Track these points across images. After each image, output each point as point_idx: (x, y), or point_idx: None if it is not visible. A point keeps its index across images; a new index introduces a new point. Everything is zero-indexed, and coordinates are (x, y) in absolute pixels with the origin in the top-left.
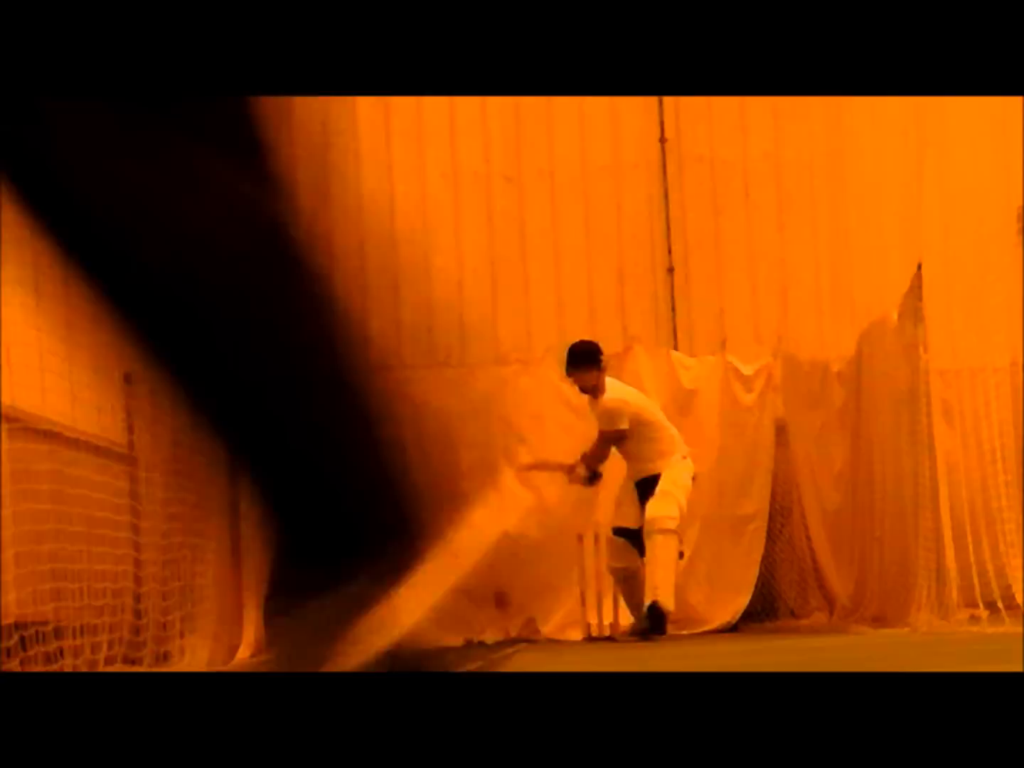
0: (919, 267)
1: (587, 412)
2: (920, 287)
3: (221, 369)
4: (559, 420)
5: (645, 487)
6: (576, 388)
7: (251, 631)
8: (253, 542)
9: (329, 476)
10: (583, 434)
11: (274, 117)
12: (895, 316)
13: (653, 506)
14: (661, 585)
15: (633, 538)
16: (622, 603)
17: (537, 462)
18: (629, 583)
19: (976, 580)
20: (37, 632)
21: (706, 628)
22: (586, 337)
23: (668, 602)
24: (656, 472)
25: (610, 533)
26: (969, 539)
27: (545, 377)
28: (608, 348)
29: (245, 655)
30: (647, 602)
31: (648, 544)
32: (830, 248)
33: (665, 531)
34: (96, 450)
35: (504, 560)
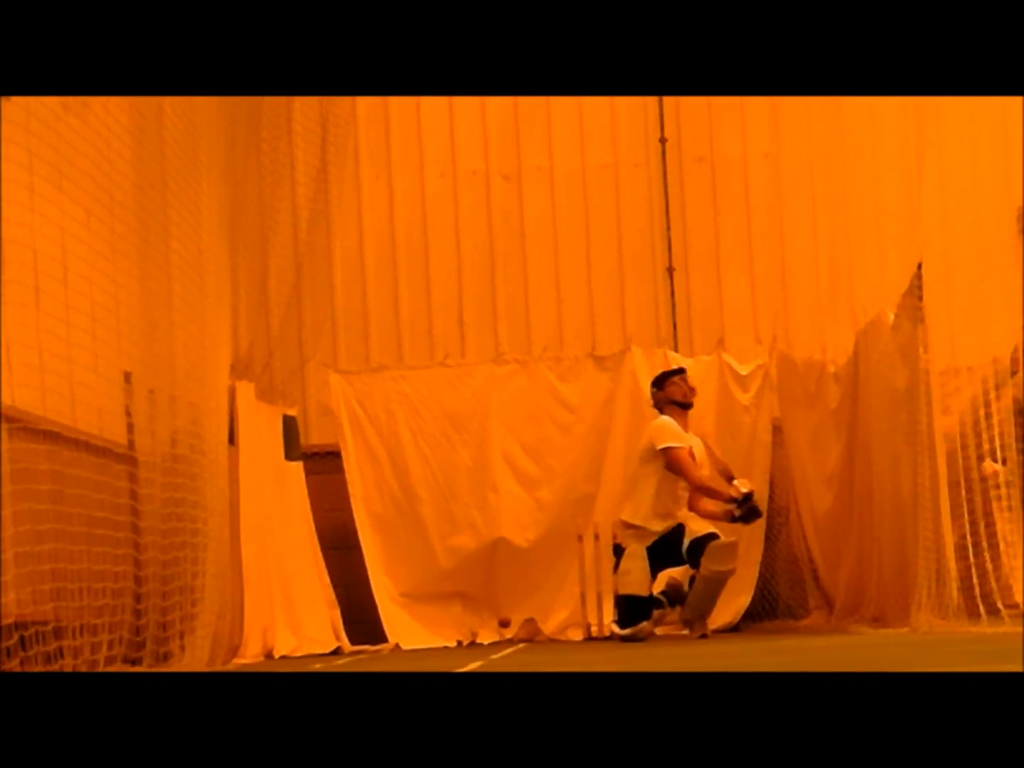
0: (919, 267)
1: (584, 412)
2: (920, 287)
3: None
4: (556, 420)
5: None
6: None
7: (252, 631)
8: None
9: None
10: (581, 434)
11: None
12: (891, 315)
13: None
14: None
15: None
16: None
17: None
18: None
19: (976, 580)
20: (37, 632)
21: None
22: (585, 336)
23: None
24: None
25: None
26: (969, 539)
27: (543, 377)
28: (608, 348)
29: (246, 655)
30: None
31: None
32: (830, 248)
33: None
34: (96, 450)
35: (504, 561)
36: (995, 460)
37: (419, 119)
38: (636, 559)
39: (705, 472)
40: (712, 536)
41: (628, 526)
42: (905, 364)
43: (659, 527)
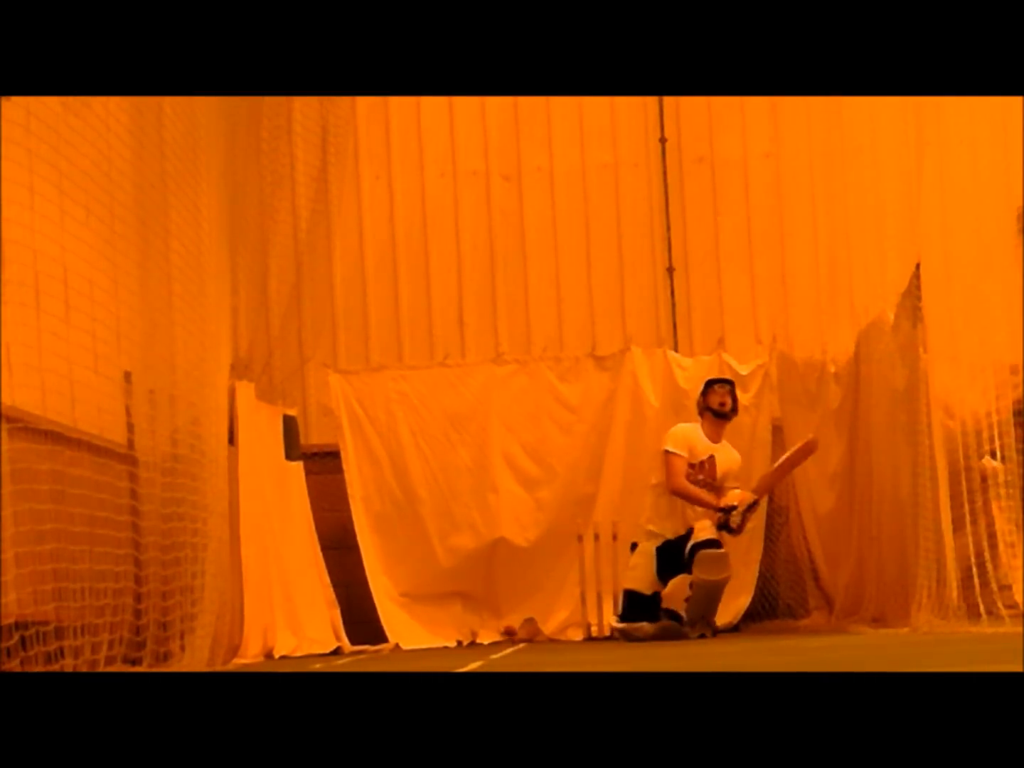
0: (917, 267)
1: (585, 412)
2: (918, 287)
3: None
4: (557, 420)
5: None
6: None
7: (252, 631)
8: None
9: None
10: (581, 434)
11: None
12: (891, 316)
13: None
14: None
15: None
16: (621, 604)
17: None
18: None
19: (976, 580)
20: (38, 632)
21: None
22: (585, 336)
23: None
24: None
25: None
26: (969, 539)
27: (543, 377)
28: (608, 348)
29: (246, 655)
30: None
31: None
32: (830, 248)
33: None
34: (96, 450)
35: (504, 561)
36: (995, 458)
37: (419, 119)
38: (644, 556)
39: (732, 483)
40: (708, 543)
41: (645, 527)
42: (905, 364)
43: (673, 533)
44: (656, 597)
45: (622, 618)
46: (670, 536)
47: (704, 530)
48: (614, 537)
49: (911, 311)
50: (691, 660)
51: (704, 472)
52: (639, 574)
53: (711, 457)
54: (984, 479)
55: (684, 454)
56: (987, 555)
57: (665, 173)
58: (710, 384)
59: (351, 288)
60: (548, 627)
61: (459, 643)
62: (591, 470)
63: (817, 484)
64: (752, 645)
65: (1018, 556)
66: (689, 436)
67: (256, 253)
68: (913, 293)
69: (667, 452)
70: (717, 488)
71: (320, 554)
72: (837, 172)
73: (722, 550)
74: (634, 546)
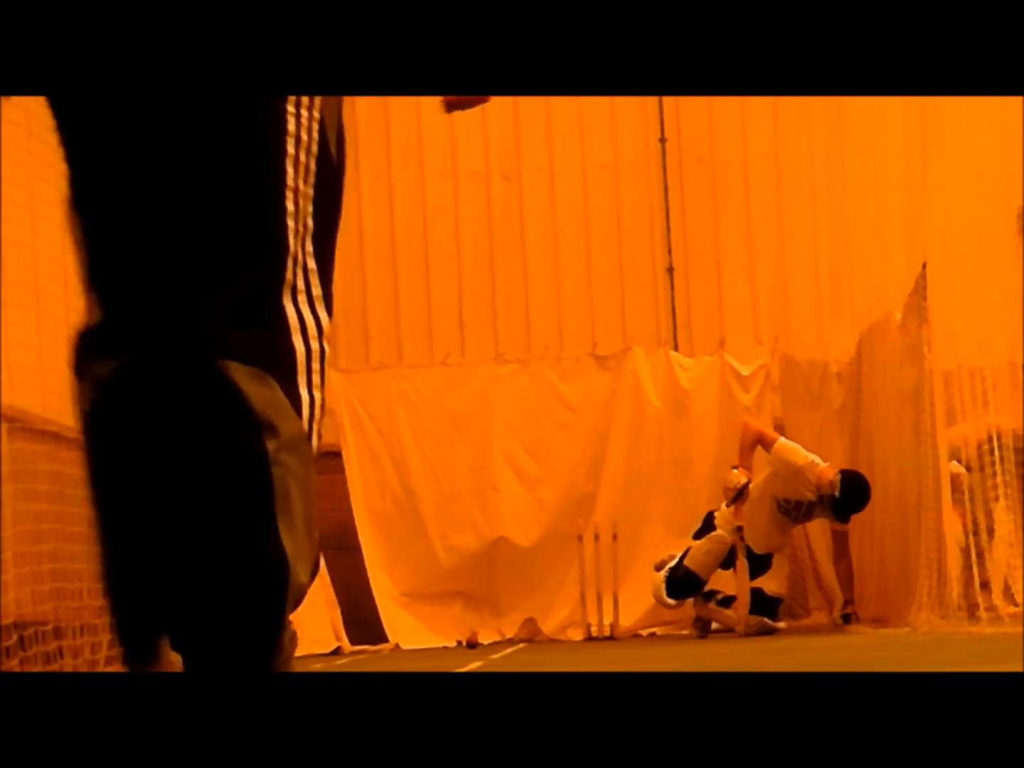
0: (923, 266)
1: (585, 412)
2: (924, 286)
3: None
4: (558, 419)
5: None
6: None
7: None
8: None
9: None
10: (582, 434)
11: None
12: (898, 315)
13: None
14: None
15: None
16: (621, 603)
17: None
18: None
19: (976, 580)
20: (37, 632)
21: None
22: (585, 336)
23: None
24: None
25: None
26: (970, 539)
27: (544, 376)
28: (608, 348)
29: None
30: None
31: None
32: (830, 248)
33: None
34: None
35: (505, 561)
36: (960, 462)
37: (419, 119)
38: (720, 545)
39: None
40: (776, 602)
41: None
42: (912, 364)
43: (758, 550)
44: (704, 582)
45: (670, 591)
46: (751, 547)
47: (777, 579)
48: (614, 537)
49: (917, 310)
50: (691, 660)
51: (800, 511)
52: (708, 561)
53: (811, 503)
54: (953, 483)
55: (783, 452)
56: (987, 555)
57: (665, 173)
58: (846, 511)
59: (351, 288)
60: (548, 627)
61: (459, 643)
62: (592, 470)
63: None
64: (752, 645)
65: (1018, 556)
66: (799, 450)
67: None
68: (919, 292)
69: (783, 438)
70: (801, 522)
71: (320, 554)
72: (837, 172)
73: (782, 627)
74: (709, 515)
